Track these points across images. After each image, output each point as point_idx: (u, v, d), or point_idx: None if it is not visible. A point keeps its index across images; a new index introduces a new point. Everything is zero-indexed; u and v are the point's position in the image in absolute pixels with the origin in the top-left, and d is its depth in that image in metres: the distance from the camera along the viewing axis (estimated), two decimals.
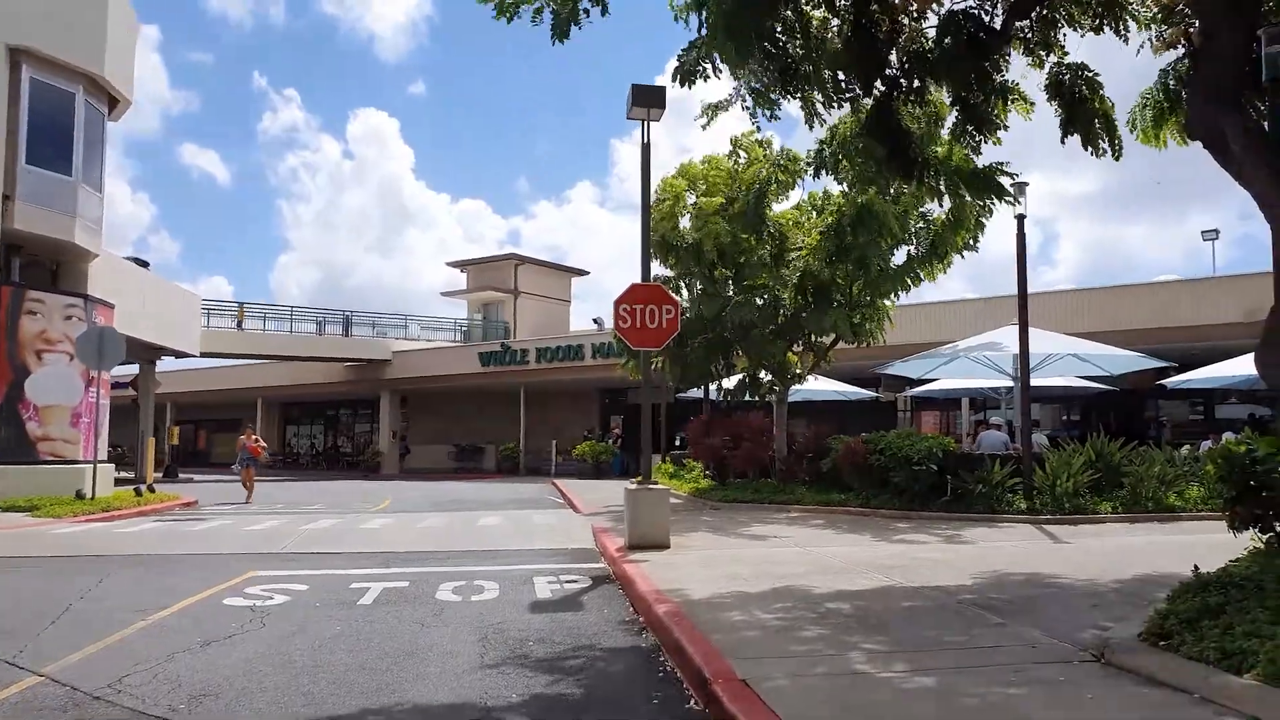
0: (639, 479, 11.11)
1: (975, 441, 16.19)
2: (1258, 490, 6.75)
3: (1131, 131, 9.72)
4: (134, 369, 34.46)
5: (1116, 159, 9.94)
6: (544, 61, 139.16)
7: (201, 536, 13.61)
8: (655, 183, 15.90)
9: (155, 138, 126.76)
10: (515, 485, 28.33)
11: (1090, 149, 9.92)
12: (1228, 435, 18.16)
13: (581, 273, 47.72)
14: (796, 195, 17.09)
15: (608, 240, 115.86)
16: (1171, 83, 9.79)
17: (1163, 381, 18.83)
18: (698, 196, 15.54)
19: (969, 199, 11.96)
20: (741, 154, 16.24)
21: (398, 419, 42.51)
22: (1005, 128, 10.13)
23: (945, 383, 20.90)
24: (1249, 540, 6.52)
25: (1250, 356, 17.29)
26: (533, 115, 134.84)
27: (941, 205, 14.33)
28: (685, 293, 16.72)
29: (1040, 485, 12.80)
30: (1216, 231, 27.61)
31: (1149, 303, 21.61)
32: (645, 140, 11.28)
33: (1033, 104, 10.14)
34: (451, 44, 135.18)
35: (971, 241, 15.58)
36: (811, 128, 10.12)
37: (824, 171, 11.44)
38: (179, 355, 33.72)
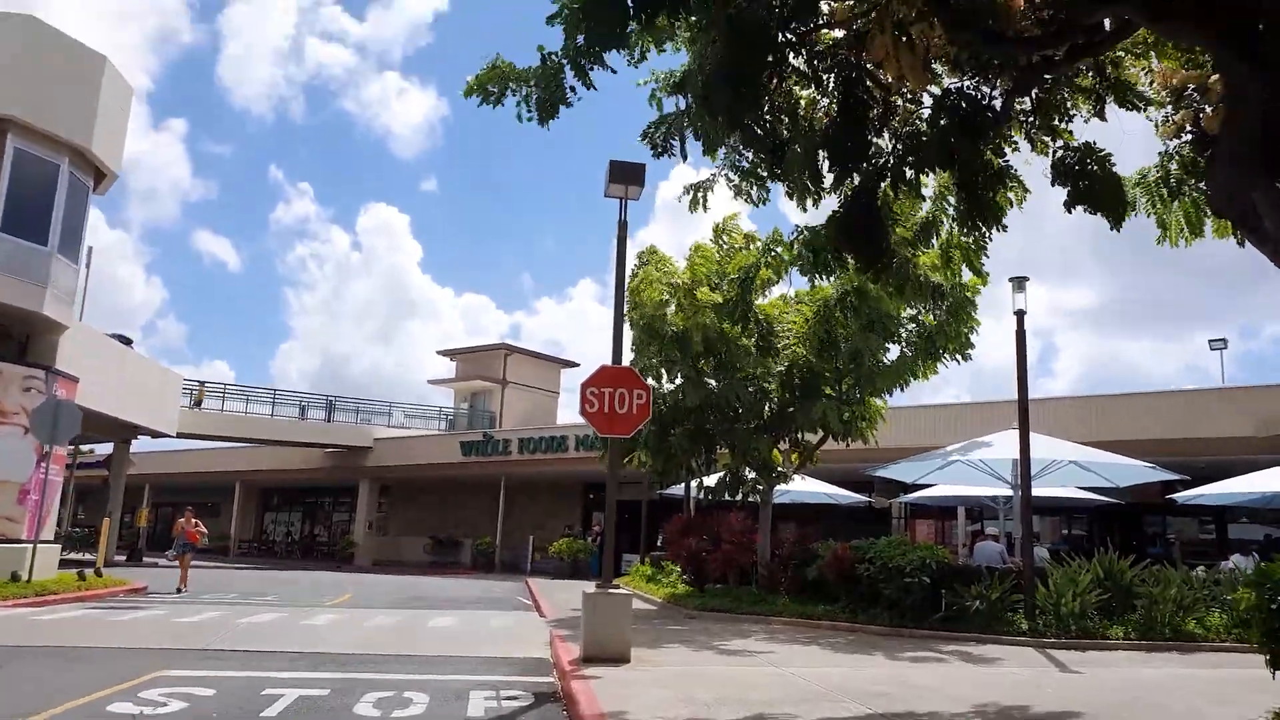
0: (600, 581, 10.05)
1: (970, 552, 15.09)
2: None
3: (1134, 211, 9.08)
4: (109, 448, 33.59)
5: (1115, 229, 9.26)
6: (551, 163, 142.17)
7: (126, 627, 12.42)
8: (634, 264, 15.35)
9: (174, 225, 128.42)
10: (487, 582, 26.91)
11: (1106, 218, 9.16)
12: (1236, 558, 17.16)
13: (572, 364, 46.88)
14: (782, 289, 16.53)
15: (608, 336, 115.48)
16: (1173, 168, 9.22)
17: (1172, 495, 17.80)
18: (684, 289, 14.88)
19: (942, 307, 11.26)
20: (725, 240, 15.69)
21: (375, 509, 41.12)
22: (1007, 211, 9.48)
23: (941, 489, 19.87)
24: None
25: (1266, 472, 16.43)
26: (539, 214, 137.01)
27: (918, 307, 13.75)
28: (667, 380, 15.92)
29: (1043, 604, 11.69)
30: (1225, 341, 26.65)
31: (1154, 413, 20.72)
32: (622, 218, 10.68)
33: (1028, 191, 9.52)
34: (464, 144, 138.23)
35: (964, 342, 14.88)
36: (805, 210, 9.52)
37: (805, 271, 10.72)
38: (155, 435, 32.70)
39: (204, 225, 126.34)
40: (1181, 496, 17.54)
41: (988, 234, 9.57)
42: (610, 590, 9.78)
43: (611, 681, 8.26)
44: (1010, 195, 9.47)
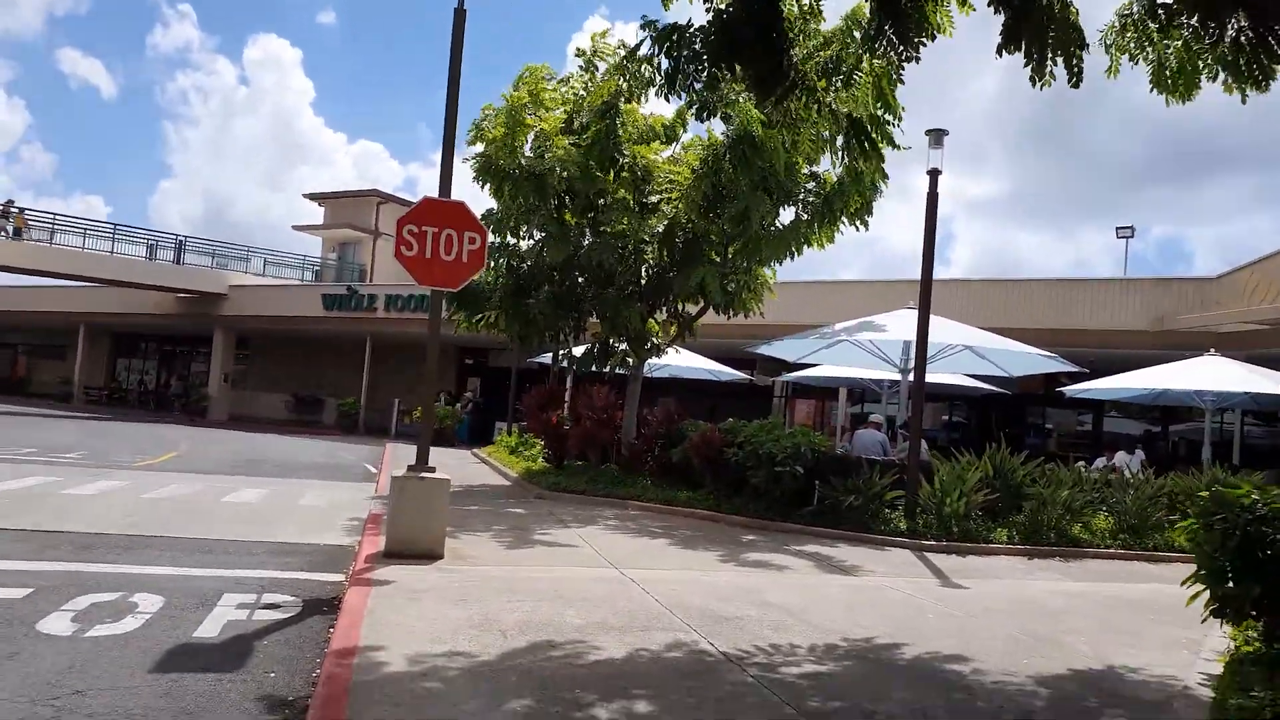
0: (413, 464, 8.24)
1: (849, 441, 13.90)
2: (1271, 564, 4.42)
3: (1108, 52, 7.35)
4: None
5: (1074, 85, 7.54)
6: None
7: None
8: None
9: (35, 38, 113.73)
10: (344, 445, 24.94)
11: (1033, 72, 7.44)
12: (1121, 455, 16.61)
13: None
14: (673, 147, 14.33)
15: None
16: None
17: (1062, 389, 17.06)
18: (538, 114, 12.54)
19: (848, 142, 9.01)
20: (599, 65, 13.22)
21: (231, 361, 38.08)
22: (932, 37, 7.55)
23: (825, 369, 18.71)
24: (1201, 611, 4.19)
25: (1157, 369, 15.70)
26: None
27: (821, 142, 11.76)
28: (526, 234, 13.72)
29: (925, 502, 10.56)
30: (1132, 229, 25.62)
31: (1052, 301, 19.86)
32: (459, 5, 8.35)
33: (971, 6, 7.56)
34: None
35: (865, 205, 13.19)
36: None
37: (674, 89, 8.27)
38: None
39: (71, 42, 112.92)
40: (1071, 390, 16.80)
41: (904, 59, 7.60)
42: (424, 474, 7.99)
43: (402, 589, 6.57)
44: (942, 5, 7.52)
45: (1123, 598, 7.98)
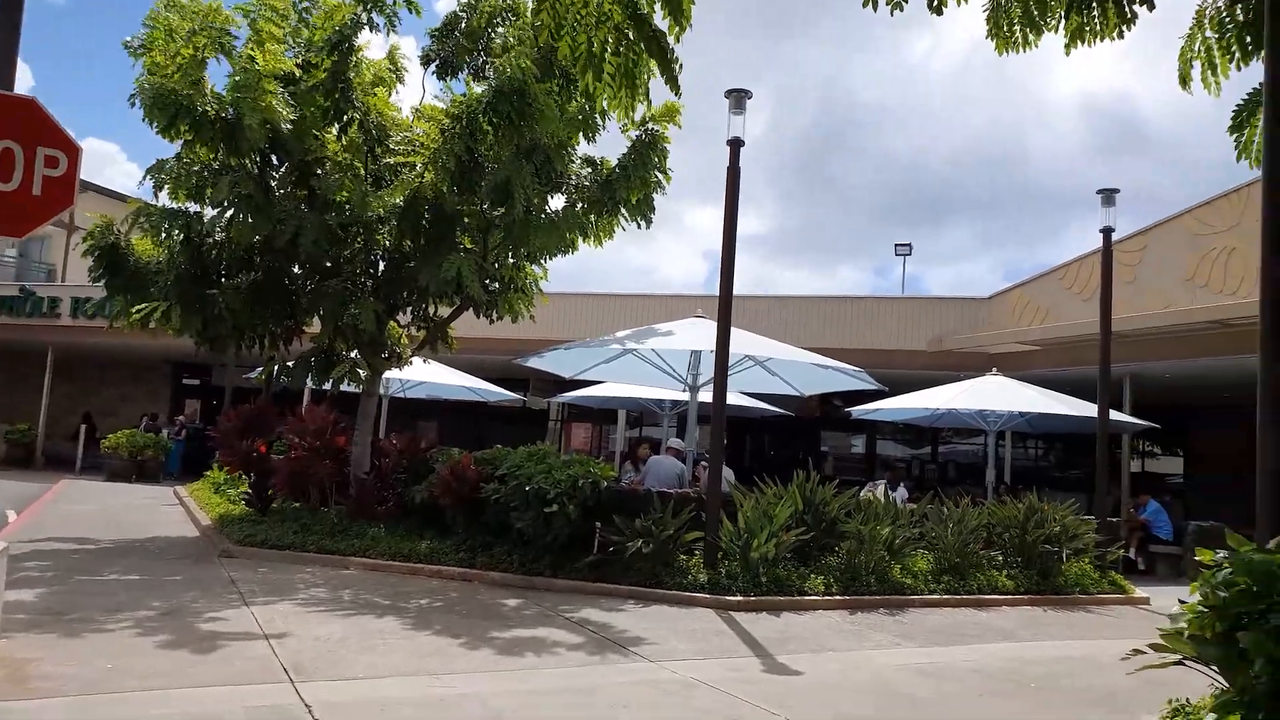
0: None
1: (640, 470, 11.74)
2: None
3: None
4: None
5: (937, 11, 5.86)
6: None
7: None
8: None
9: None
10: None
11: None
12: (882, 483, 15.28)
13: None
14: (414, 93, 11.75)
15: None
16: None
17: (850, 410, 15.96)
18: (252, 49, 9.43)
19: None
20: None
21: None
22: None
23: (603, 389, 16.64)
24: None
25: (941, 389, 14.90)
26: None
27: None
28: (213, 199, 10.25)
29: (728, 545, 8.53)
30: (910, 246, 26.05)
31: (828, 317, 18.98)
32: None
33: None
34: None
35: (648, 198, 11.25)
36: None
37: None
38: None
39: None
40: (858, 411, 15.73)
41: None
42: None
43: None
44: None
45: (987, 670, 6.23)
